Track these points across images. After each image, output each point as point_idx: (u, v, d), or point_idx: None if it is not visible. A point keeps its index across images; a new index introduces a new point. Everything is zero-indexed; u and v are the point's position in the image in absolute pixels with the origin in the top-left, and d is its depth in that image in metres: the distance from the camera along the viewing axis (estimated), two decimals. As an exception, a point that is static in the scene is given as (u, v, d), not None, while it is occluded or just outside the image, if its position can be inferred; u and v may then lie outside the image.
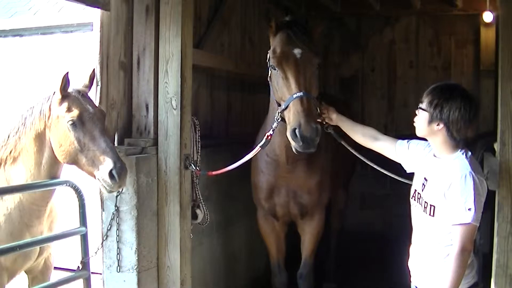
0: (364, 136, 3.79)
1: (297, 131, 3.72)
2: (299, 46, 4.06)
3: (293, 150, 3.87)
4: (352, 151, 4.16)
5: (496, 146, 3.62)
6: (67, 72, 3.52)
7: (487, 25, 7.83)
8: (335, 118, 4.01)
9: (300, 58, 4.02)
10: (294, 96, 3.84)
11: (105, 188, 3.49)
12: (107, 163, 3.43)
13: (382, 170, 4.15)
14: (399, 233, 7.00)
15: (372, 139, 3.74)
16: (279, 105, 4.07)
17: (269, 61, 4.19)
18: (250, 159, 4.34)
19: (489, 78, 7.53)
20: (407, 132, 8.04)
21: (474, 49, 8.22)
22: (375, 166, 4.14)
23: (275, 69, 4.07)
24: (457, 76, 8.08)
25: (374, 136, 3.75)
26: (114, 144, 4.11)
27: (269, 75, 4.21)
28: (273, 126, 4.08)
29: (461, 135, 3.03)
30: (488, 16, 7.67)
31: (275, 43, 4.19)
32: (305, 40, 4.12)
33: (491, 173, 3.49)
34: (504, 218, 3.46)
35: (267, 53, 4.26)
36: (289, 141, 3.87)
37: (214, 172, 4.38)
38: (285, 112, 3.93)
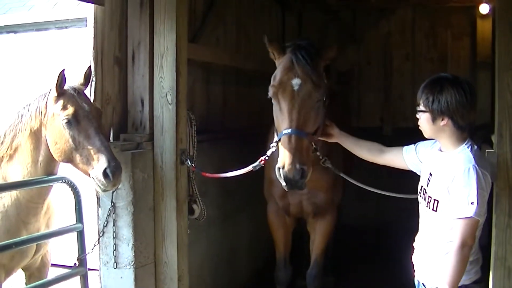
0: (371, 151, 3.69)
1: (281, 171, 3.53)
2: (300, 75, 3.69)
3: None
4: (352, 181, 4.07)
5: (494, 138, 3.61)
6: (63, 70, 3.50)
7: (484, 16, 7.80)
8: (336, 134, 3.86)
9: (297, 90, 3.67)
10: (283, 132, 3.59)
11: (100, 187, 3.48)
12: (101, 162, 3.41)
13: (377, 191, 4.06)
14: (394, 226, 7.04)
15: (379, 152, 3.66)
16: (277, 133, 3.84)
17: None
18: (265, 155, 4.17)
19: (486, 70, 7.49)
20: (403, 125, 8.07)
21: (470, 41, 8.18)
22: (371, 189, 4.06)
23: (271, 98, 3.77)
24: (453, 68, 8.04)
25: (380, 150, 3.67)
26: (109, 141, 4.10)
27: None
28: (268, 154, 3.87)
29: (466, 120, 3.00)
30: (484, 8, 7.66)
31: (277, 69, 3.84)
32: (308, 68, 3.71)
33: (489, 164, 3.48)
34: (502, 210, 3.46)
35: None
36: None
37: (208, 174, 4.34)
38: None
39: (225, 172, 4.20)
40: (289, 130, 3.57)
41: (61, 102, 3.52)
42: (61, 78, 3.51)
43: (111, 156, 3.45)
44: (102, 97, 4.09)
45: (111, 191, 3.88)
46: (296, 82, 3.69)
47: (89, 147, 3.45)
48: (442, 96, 2.98)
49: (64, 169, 3.76)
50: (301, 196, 4.77)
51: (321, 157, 3.87)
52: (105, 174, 3.40)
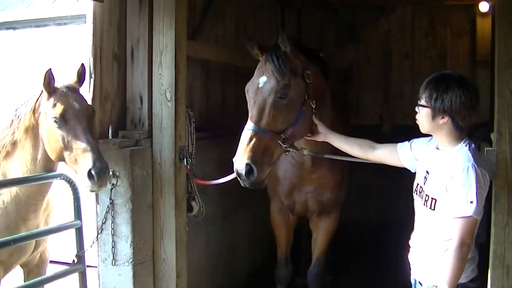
0: (362, 148, 3.61)
1: (234, 164, 3.57)
2: (267, 73, 3.70)
3: None
4: (340, 158, 4.01)
5: (493, 136, 3.60)
6: (50, 68, 3.49)
7: (483, 15, 7.80)
8: (324, 133, 3.79)
9: (260, 87, 3.70)
10: (244, 127, 3.64)
11: (86, 187, 3.47)
12: (86, 162, 3.39)
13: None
14: (394, 223, 7.04)
15: (371, 149, 3.59)
16: None
17: None
18: None
19: (485, 68, 7.49)
20: (402, 123, 8.07)
21: (470, 39, 8.18)
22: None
23: None
24: (453, 66, 8.03)
25: (372, 146, 3.60)
26: (108, 137, 4.10)
27: None
28: None
29: (466, 123, 2.98)
30: (484, 6, 7.66)
31: None
32: (273, 66, 3.67)
33: (488, 163, 3.47)
34: (501, 209, 3.45)
35: None
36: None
37: (199, 181, 4.34)
38: None
39: (223, 171, 4.18)
40: (247, 126, 3.61)
41: (52, 100, 3.51)
42: (48, 77, 3.48)
43: (97, 156, 3.41)
44: (101, 94, 4.07)
45: (110, 187, 3.89)
46: (260, 80, 3.73)
47: (76, 146, 3.43)
48: (447, 95, 2.94)
49: (63, 167, 3.76)
50: (307, 194, 4.77)
51: (286, 150, 3.75)
52: (89, 174, 3.37)
